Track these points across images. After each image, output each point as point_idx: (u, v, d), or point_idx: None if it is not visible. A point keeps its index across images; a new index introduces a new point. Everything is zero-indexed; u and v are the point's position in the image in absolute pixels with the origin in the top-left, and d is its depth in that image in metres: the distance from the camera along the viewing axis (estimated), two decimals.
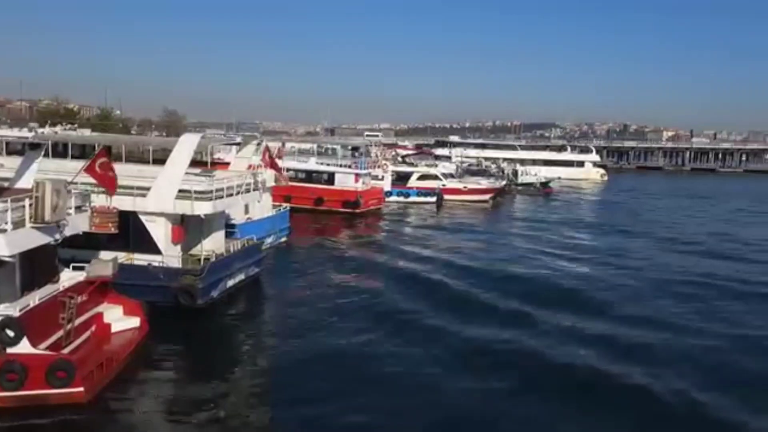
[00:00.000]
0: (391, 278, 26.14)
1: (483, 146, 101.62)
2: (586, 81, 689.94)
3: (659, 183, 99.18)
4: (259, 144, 29.25)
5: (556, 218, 48.52)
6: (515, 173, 69.35)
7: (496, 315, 21.03)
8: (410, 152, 69.37)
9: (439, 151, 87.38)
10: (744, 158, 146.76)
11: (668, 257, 33.09)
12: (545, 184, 70.71)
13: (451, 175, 58.06)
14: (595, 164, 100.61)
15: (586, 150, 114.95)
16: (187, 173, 20.67)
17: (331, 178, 45.38)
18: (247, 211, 28.14)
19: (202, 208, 20.11)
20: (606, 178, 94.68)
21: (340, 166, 46.80)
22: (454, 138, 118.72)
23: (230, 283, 21.70)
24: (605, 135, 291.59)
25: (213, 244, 22.08)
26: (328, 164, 47.26)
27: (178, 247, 20.53)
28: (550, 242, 36.61)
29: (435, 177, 55.19)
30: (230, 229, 24.65)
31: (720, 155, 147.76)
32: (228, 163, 31.69)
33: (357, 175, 45.15)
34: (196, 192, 20.11)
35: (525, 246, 35.34)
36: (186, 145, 21.11)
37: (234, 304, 21.59)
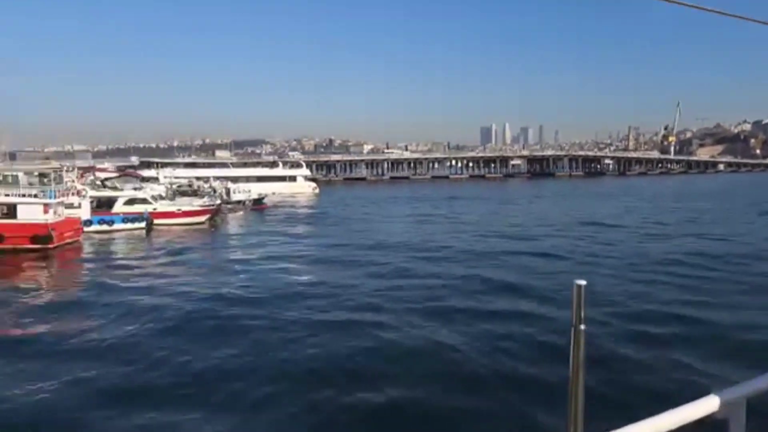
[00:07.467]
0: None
1: (193, 165, 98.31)
2: (294, 99, 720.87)
3: (366, 191, 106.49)
4: None
5: (267, 231, 48.45)
6: (228, 191, 68.04)
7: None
8: (112, 175, 63.02)
9: (146, 173, 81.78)
10: (431, 166, 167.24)
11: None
12: (258, 201, 70.72)
13: (161, 197, 54.42)
14: (306, 178, 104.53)
15: (297, 165, 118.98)
16: None
17: (12, 211, 38.69)
18: None
19: None
20: (318, 191, 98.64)
21: (23, 195, 40.25)
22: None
23: None
24: (313, 150, 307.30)
25: None
26: (6, 194, 40.30)
27: None
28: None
29: (144, 201, 51.03)
30: None
31: (412, 164, 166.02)
32: None
33: (46, 205, 39.27)
34: None
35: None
36: None
37: None
